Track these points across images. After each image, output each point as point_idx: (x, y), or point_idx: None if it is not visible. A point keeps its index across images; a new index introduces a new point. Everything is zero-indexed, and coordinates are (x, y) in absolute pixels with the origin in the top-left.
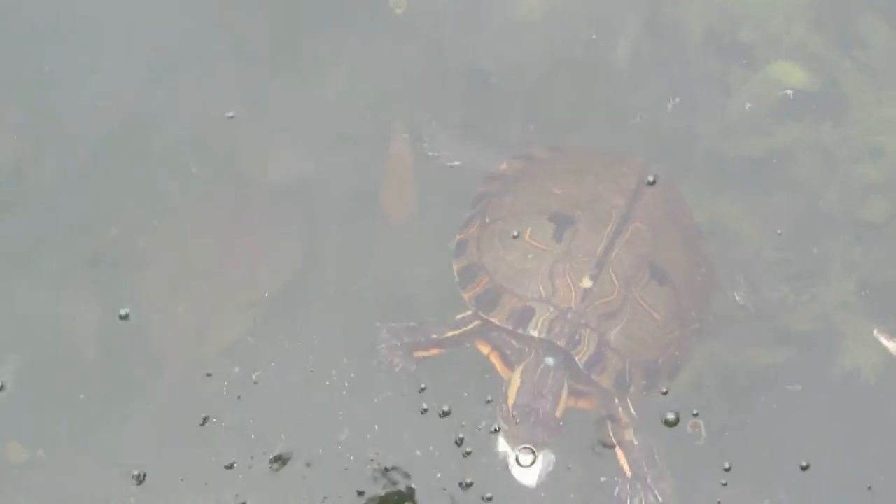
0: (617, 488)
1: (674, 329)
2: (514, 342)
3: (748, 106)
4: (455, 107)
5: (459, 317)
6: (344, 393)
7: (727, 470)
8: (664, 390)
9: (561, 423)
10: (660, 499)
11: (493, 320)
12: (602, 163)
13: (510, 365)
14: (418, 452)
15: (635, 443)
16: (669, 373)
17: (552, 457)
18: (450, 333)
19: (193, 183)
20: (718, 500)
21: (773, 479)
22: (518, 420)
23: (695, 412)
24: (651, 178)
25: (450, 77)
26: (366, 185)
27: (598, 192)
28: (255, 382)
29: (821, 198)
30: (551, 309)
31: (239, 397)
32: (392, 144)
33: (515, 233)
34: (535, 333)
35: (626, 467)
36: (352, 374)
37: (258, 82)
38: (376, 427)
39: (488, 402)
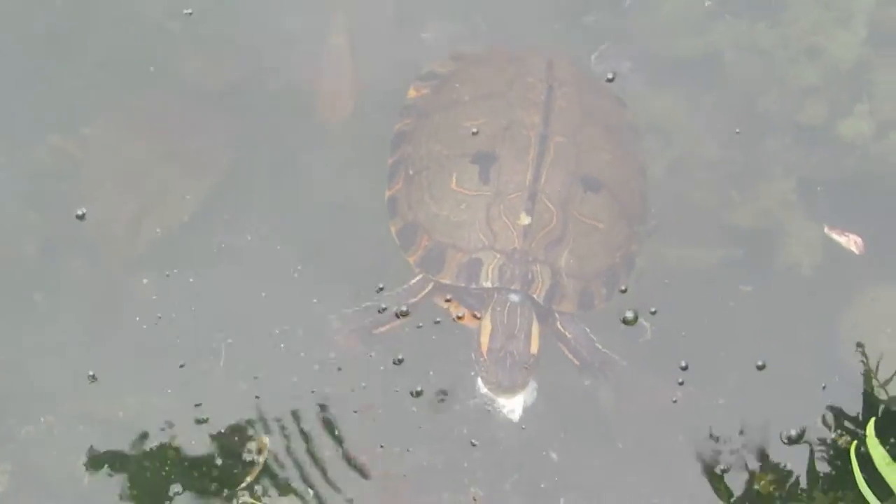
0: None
1: (620, 230)
2: (471, 294)
3: (707, 3)
4: None
5: (412, 282)
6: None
7: (684, 369)
8: (623, 288)
9: (537, 360)
10: (610, 377)
11: (443, 280)
12: (507, 77)
13: (475, 310)
14: (372, 354)
15: (567, 334)
16: (626, 268)
17: (534, 386)
18: (407, 303)
19: (128, 88)
20: (675, 398)
21: (729, 379)
22: (494, 365)
23: (653, 310)
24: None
25: None
26: (302, 87)
27: (511, 115)
28: (191, 280)
29: (759, 99)
30: (497, 255)
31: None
32: (330, 39)
33: (442, 184)
34: (487, 284)
35: (571, 357)
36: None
37: None
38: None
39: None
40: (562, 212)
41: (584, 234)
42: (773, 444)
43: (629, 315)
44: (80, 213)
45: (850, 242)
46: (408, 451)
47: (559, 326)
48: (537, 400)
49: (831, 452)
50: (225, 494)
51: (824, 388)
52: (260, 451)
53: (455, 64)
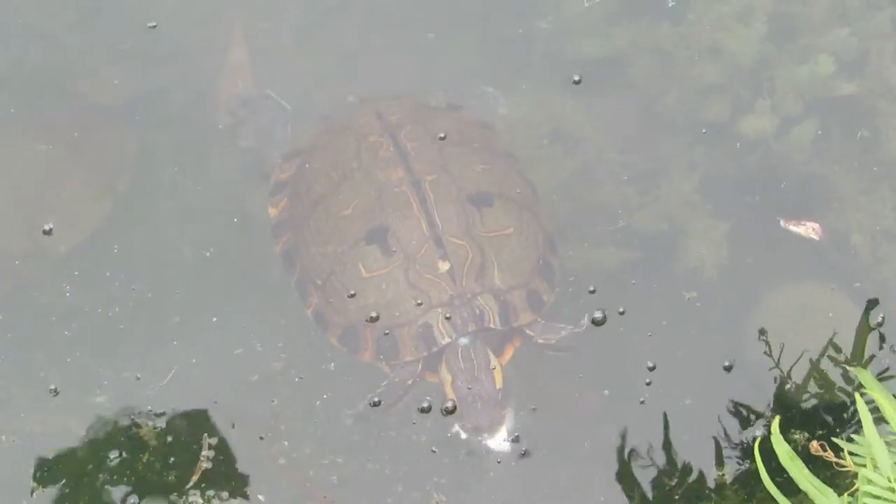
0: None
1: (528, 221)
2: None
3: (587, 4)
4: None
5: (392, 371)
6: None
7: (651, 369)
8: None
9: (506, 393)
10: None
11: (406, 359)
12: (350, 149)
13: (434, 367)
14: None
15: (545, 340)
16: (552, 251)
17: (511, 415)
18: (409, 382)
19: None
20: (642, 399)
21: (695, 379)
22: (467, 411)
23: (621, 310)
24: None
25: None
26: (202, 97)
27: (376, 183)
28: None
29: (660, 99)
30: (439, 310)
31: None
32: (229, 51)
33: (354, 278)
34: (446, 340)
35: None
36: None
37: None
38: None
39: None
40: (471, 239)
41: (502, 246)
42: (680, 444)
43: (598, 315)
44: None
45: (809, 230)
46: (368, 460)
47: (535, 338)
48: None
49: (740, 451)
50: (172, 497)
51: (732, 386)
52: (204, 450)
53: (294, 163)
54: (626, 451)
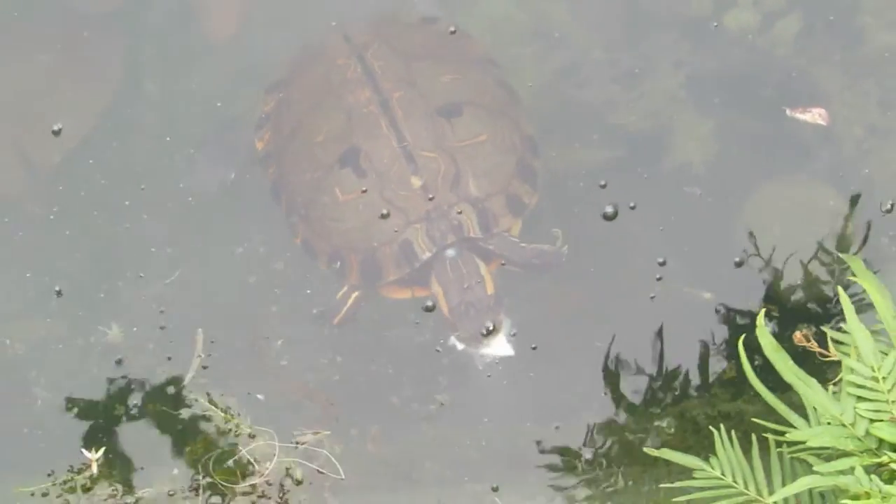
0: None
1: (503, 125)
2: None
3: None
4: None
5: (338, 296)
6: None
7: (662, 264)
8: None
9: (498, 298)
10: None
11: (391, 278)
12: (322, 74)
13: (426, 282)
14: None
15: (498, 251)
16: (531, 152)
17: (507, 321)
18: (339, 317)
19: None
20: (652, 294)
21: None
22: (461, 320)
23: (631, 205)
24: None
25: None
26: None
27: (345, 106)
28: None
29: None
30: (417, 226)
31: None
32: None
33: (333, 203)
34: (427, 255)
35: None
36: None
37: None
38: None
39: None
40: (442, 151)
41: (475, 155)
42: (671, 344)
43: (609, 210)
44: None
45: (816, 116)
46: (370, 360)
47: (492, 250)
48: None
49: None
50: (172, 392)
51: (721, 282)
52: (198, 346)
53: (275, 95)
54: (615, 351)
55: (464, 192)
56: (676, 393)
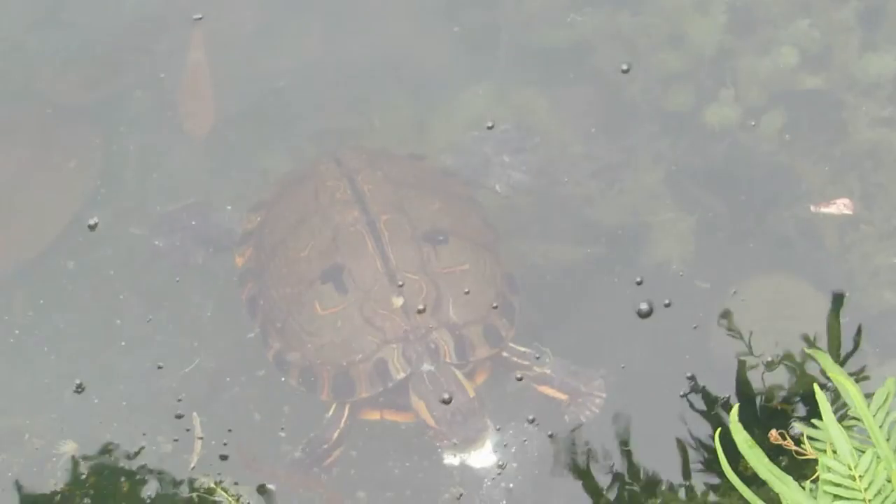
0: (566, 416)
1: (486, 260)
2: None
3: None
4: None
5: (329, 414)
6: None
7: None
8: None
9: (481, 400)
10: (602, 394)
11: (363, 395)
12: (310, 193)
13: (406, 406)
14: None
15: (548, 372)
16: (511, 289)
17: (489, 426)
18: (336, 433)
19: None
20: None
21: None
22: (449, 428)
23: (666, 302)
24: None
25: None
26: (165, 99)
27: (332, 224)
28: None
29: (624, 88)
30: (394, 346)
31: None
32: (189, 54)
33: (310, 317)
34: (401, 375)
35: (558, 395)
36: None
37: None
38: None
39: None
40: (425, 275)
41: (457, 282)
42: (641, 441)
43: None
44: None
45: (841, 207)
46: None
47: (539, 368)
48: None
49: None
50: (179, 480)
51: (693, 379)
52: (197, 428)
53: (260, 213)
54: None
55: (443, 317)
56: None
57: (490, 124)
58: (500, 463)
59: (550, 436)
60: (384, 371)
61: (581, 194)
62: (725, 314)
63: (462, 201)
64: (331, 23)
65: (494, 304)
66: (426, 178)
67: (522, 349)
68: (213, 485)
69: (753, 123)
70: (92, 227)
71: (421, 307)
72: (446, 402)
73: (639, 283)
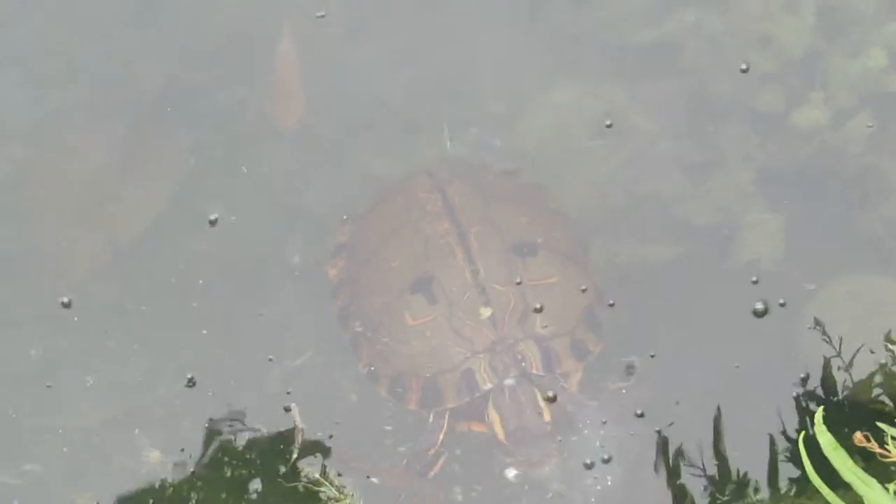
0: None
1: (575, 273)
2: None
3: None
4: None
5: (429, 423)
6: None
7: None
8: (608, 308)
9: (555, 427)
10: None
11: (449, 405)
12: (402, 206)
13: (483, 416)
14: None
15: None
16: (600, 303)
17: (554, 452)
18: (441, 436)
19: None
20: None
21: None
22: (517, 445)
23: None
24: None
25: None
26: (254, 91)
27: (423, 235)
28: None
29: (714, 88)
30: (481, 356)
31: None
32: (279, 45)
33: (400, 326)
34: (488, 386)
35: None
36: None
37: None
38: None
39: None
40: (514, 287)
41: (545, 295)
42: (734, 437)
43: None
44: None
45: None
46: None
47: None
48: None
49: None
50: (283, 472)
51: (787, 381)
52: (296, 416)
53: (351, 226)
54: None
55: (531, 330)
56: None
57: (609, 122)
58: (605, 457)
59: (658, 432)
60: (472, 381)
61: (671, 193)
62: (814, 314)
63: (552, 215)
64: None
65: (582, 319)
66: (516, 191)
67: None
68: (317, 476)
69: (870, 126)
70: (212, 223)
71: (508, 319)
72: (520, 419)
73: (754, 283)
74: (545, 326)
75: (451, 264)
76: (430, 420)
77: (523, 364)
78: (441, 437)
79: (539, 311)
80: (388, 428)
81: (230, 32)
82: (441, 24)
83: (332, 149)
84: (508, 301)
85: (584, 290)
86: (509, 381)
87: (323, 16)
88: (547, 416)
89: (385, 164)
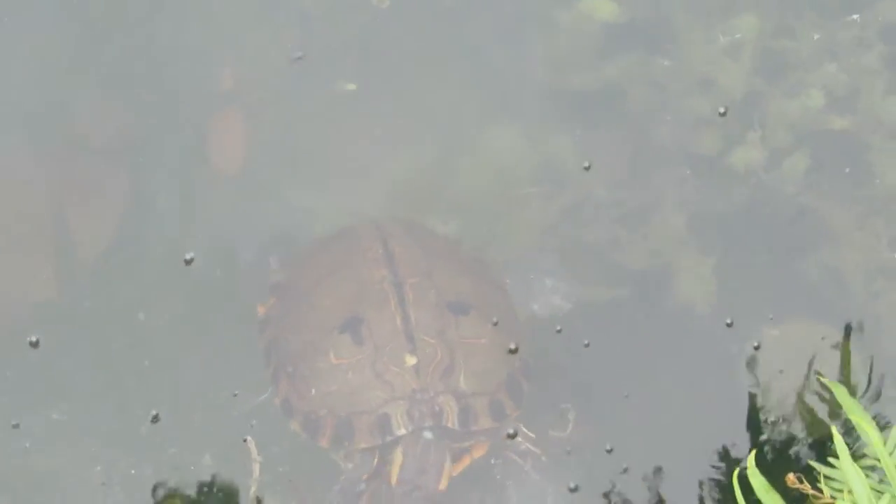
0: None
1: (502, 341)
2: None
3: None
4: None
5: (360, 455)
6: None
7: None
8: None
9: (444, 497)
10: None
11: (360, 446)
12: (342, 250)
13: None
14: None
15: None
16: (524, 374)
17: None
18: (366, 475)
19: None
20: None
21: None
22: (402, 498)
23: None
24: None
25: None
26: (194, 140)
27: (359, 278)
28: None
29: (653, 133)
30: (400, 402)
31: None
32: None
33: (323, 364)
34: (402, 432)
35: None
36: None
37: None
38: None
39: None
40: (442, 341)
41: (472, 354)
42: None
43: None
44: None
45: None
46: None
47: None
48: None
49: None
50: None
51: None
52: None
53: (287, 268)
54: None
55: (453, 384)
56: None
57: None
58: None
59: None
60: (386, 425)
61: (607, 239)
62: (748, 359)
63: (491, 286)
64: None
65: (504, 383)
66: (459, 257)
67: (531, 434)
68: None
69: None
70: (188, 262)
71: (432, 371)
72: (418, 475)
73: (729, 325)
74: (467, 384)
75: (383, 309)
76: (357, 459)
77: (441, 416)
78: (366, 476)
79: (461, 368)
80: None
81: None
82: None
83: (271, 191)
84: (435, 354)
85: (510, 355)
86: (428, 435)
87: (301, 57)
88: (443, 485)
89: (324, 206)
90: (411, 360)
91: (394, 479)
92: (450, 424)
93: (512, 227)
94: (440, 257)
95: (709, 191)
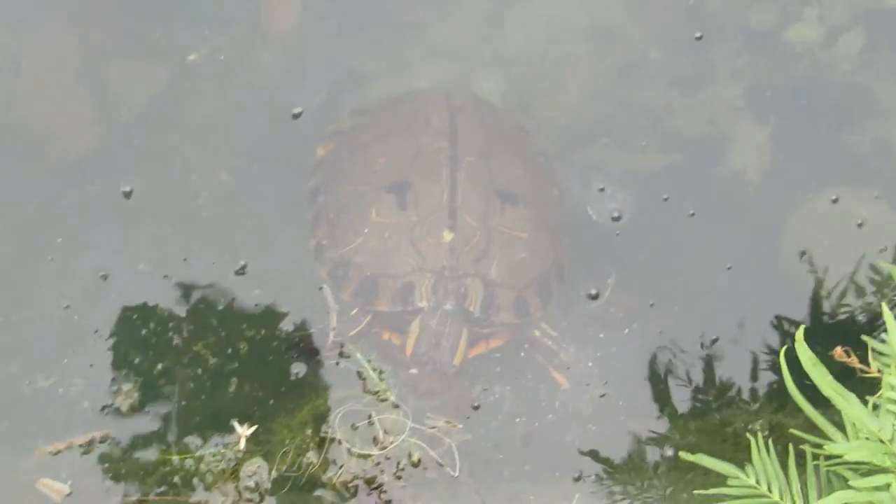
0: (557, 402)
1: (544, 239)
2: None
3: None
4: None
5: (353, 313)
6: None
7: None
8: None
9: (457, 372)
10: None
11: (380, 308)
12: (408, 113)
13: (404, 329)
14: None
15: (563, 358)
16: (557, 278)
17: (439, 396)
18: (354, 332)
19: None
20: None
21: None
22: (416, 368)
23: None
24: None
25: None
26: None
27: (418, 144)
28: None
29: (707, 2)
30: (427, 275)
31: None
32: None
33: (363, 218)
34: (423, 304)
35: (564, 383)
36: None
37: None
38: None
39: None
40: (483, 226)
41: (509, 245)
42: (714, 353)
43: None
44: None
45: None
46: None
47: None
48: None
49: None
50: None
51: (768, 296)
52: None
53: (357, 119)
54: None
55: (483, 270)
56: (720, 402)
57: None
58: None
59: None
60: (409, 294)
61: (661, 103)
62: (797, 227)
63: (547, 181)
64: None
65: (535, 282)
66: (523, 146)
67: (553, 333)
68: (359, 355)
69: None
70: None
71: (466, 252)
72: (433, 347)
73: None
74: (498, 273)
75: (433, 180)
76: (353, 313)
77: (465, 298)
78: (354, 332)
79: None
80: None
81: None
82: None
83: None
84: (473, 235)
85: (547, 259)
86: (448, 308)
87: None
88: (457, 360)
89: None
90: (448, 237)
91: (409, 350)
92: (471, 308)
93: (561, 85)
94: (503, 142)
95: (763, 64)
